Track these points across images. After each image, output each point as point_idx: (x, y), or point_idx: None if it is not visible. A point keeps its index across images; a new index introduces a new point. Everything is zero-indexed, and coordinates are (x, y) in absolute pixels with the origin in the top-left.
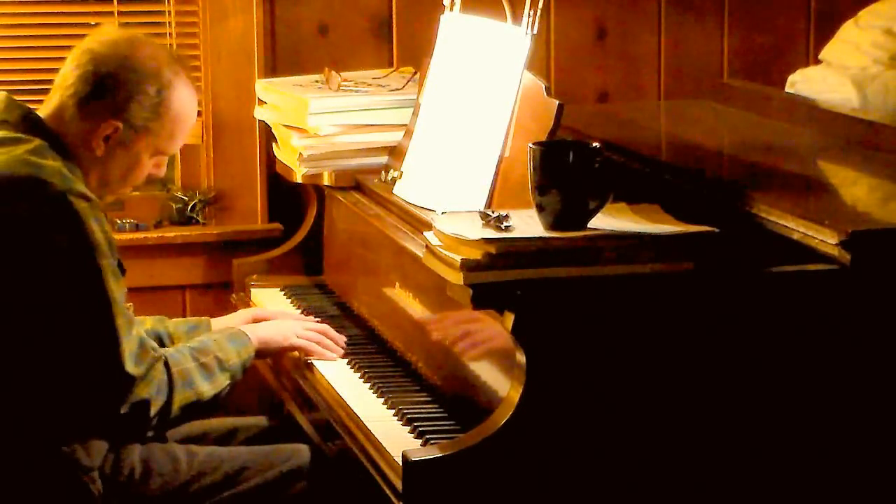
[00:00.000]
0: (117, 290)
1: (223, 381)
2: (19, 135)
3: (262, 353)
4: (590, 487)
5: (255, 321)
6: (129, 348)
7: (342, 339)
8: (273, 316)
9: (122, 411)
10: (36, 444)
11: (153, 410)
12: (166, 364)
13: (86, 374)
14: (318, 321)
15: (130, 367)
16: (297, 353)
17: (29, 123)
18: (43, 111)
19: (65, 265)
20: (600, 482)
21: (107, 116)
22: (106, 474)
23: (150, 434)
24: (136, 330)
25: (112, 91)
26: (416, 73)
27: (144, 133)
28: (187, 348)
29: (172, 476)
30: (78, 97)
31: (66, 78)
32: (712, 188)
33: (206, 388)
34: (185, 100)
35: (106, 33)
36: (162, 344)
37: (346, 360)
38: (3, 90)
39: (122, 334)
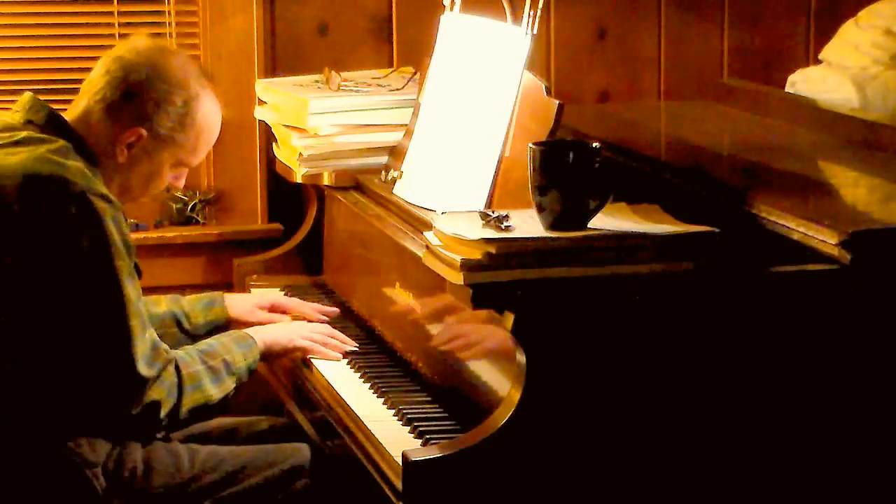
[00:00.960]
0: (133, 291)
1: (230, 384)
2: (43, 135)
3: (266, 356)
4: (589, 487)
5: (272, 309)
6: (142, 350)
7: (348, 339)
8: (290, 307)
9: (133, 412)
10: (44, 441)
11: (163, 412)
12: (176, 366)
13: (98, 374)
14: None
15: (143, 368)
16: (299, 353)
17: (54, 124)
18: (69, 114)
19: (82, 264)
20: (600, 482)
21: (132, 123)
22: (109, 471)
23: (158, 435)
24: (149, 332)
25: (140, 98)
26: (416, 73)
27: (168, 143)
28: (196, 351)
29: (174, 474)
30: (106, 102)
31: (94, 83)
32: (712, 188)
33: (214, 391)
34: (210, 113)
35: (136, 42)
36: (179, 324)
37: (346, 360)
38: (4, 90)
39: (136, 335)
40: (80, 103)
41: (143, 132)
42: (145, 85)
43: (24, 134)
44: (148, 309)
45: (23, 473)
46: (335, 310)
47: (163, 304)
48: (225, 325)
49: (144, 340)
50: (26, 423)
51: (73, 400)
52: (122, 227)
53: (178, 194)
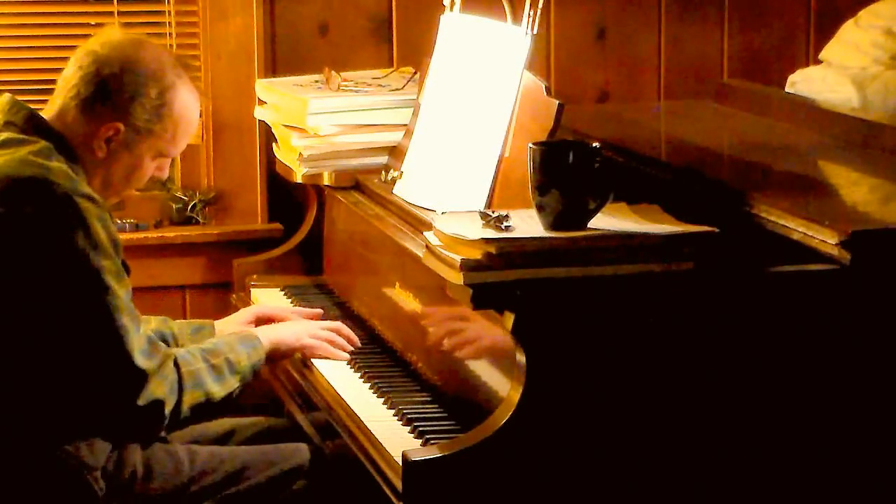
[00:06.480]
0: (121, 289)
1: (233, 383)
2: (24, 136)
3: (272, 355)
4: (589, 487)
5: (258, 320)
6: (137, 345)
7: (354, 336)
8: (273, 313)
9: (137, 407)
10: (44, 444)
11: (167, 409)
12: (176, 364)
13: (97, 373)
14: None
15: (141, 361)
16: (305, 353)
17: (33, 125)
18: (46, 113)
19: (69, 265)
20: (600, 482)
21: (109, 118)
22: (108, 473)
23: (162, 434)
24: (144, 328)
25: (114, 93)
26: (416, 73)
27: (146, 135)
28: (198, 349)
29: (174, 476)
30: (80, 98)
31: (68, 79)
32: (712, 188)
33: (216, 390)
34: (187, 102)
35: (109, 35)
36: (167, 345)
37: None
38: (5, 90)
39: (129, 332)
40: (55, 101)
41: (121, 126)
42: (119, 78)
43: (4, 136)
44: None
45: (22, 477)
46: (318, 311)
47: (152, 324)
48: None
49: (139, 335)
50: (25, 426)
51: (72, 402)
52: (109, 226)
53: (178, 194)
